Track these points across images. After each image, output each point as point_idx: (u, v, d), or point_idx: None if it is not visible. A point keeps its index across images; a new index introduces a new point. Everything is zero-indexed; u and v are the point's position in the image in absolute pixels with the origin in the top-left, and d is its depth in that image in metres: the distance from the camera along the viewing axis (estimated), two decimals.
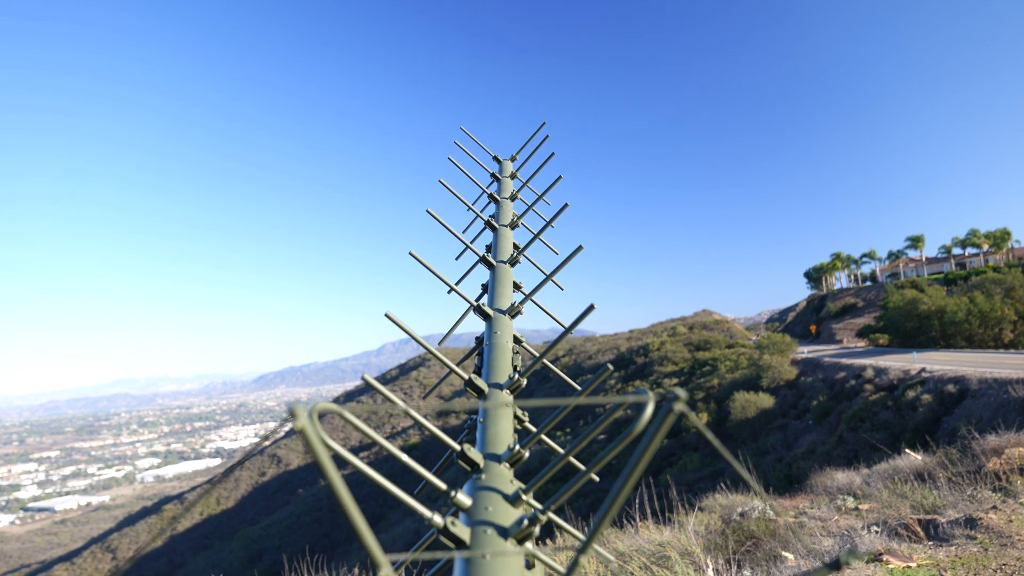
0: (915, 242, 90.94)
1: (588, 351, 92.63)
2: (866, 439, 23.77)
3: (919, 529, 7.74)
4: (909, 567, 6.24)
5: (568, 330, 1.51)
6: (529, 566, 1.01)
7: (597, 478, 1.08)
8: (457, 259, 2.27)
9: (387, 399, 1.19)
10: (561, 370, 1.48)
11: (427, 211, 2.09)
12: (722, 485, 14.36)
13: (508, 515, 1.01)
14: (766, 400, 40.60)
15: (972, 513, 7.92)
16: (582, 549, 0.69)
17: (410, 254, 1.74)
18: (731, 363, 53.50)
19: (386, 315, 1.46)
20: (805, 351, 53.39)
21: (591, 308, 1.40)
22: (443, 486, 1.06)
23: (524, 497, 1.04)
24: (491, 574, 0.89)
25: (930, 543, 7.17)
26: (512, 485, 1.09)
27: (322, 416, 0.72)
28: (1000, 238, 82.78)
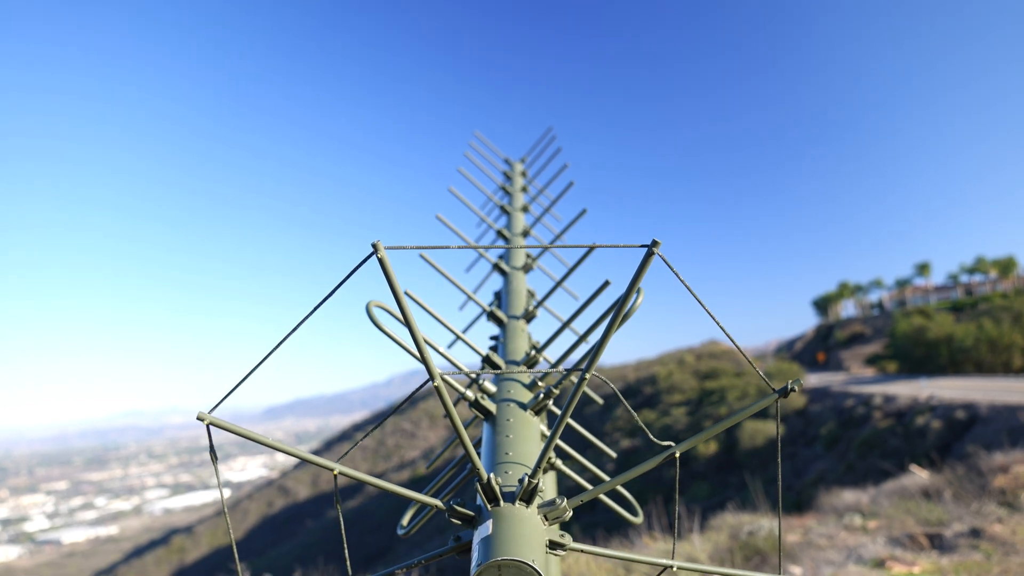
0: (922, 270, 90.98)
1: (595, 382, 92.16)
2: (876, 465, 23.66)
3: (924, 540, 7.84)
4: (912, 572, 6.35)
5: (559, 283, 1.74)
6: (544, 436, 1.24)
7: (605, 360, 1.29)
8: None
9: (423, 306, 1.43)
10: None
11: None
12: (730, 506, 14.42)
13: (526, 395, 1.25)
14: (775, 428, 40.34)
15: (977, 525, 8.02)
16: (586, 369, 0.89)
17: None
18: (739, 391, 53.27)
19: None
20: (813, 379, 53.19)
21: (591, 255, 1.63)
22: (472, 374, 1.29)
23: (540, 383, 1.28)
24: (513, 431, 1.12)
25: (934, 552, 7.27)
26: (528, 377, 1.33)
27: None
28: (1007, 265, 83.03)
